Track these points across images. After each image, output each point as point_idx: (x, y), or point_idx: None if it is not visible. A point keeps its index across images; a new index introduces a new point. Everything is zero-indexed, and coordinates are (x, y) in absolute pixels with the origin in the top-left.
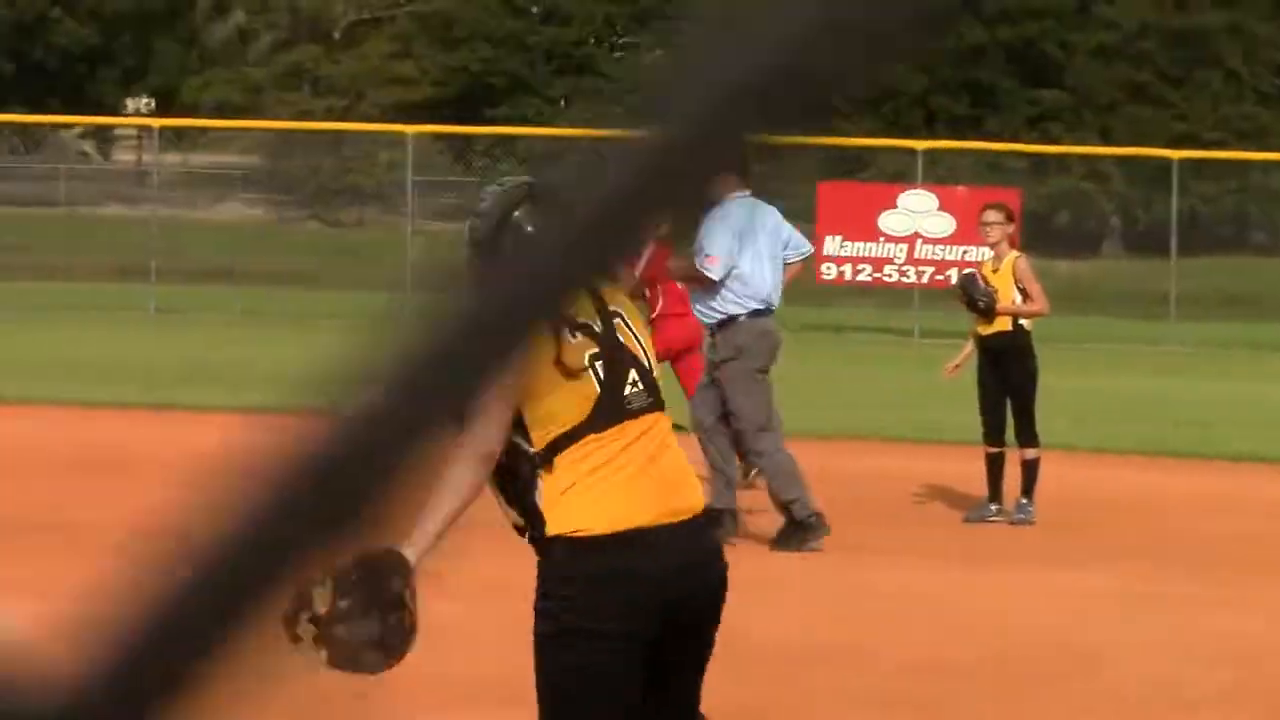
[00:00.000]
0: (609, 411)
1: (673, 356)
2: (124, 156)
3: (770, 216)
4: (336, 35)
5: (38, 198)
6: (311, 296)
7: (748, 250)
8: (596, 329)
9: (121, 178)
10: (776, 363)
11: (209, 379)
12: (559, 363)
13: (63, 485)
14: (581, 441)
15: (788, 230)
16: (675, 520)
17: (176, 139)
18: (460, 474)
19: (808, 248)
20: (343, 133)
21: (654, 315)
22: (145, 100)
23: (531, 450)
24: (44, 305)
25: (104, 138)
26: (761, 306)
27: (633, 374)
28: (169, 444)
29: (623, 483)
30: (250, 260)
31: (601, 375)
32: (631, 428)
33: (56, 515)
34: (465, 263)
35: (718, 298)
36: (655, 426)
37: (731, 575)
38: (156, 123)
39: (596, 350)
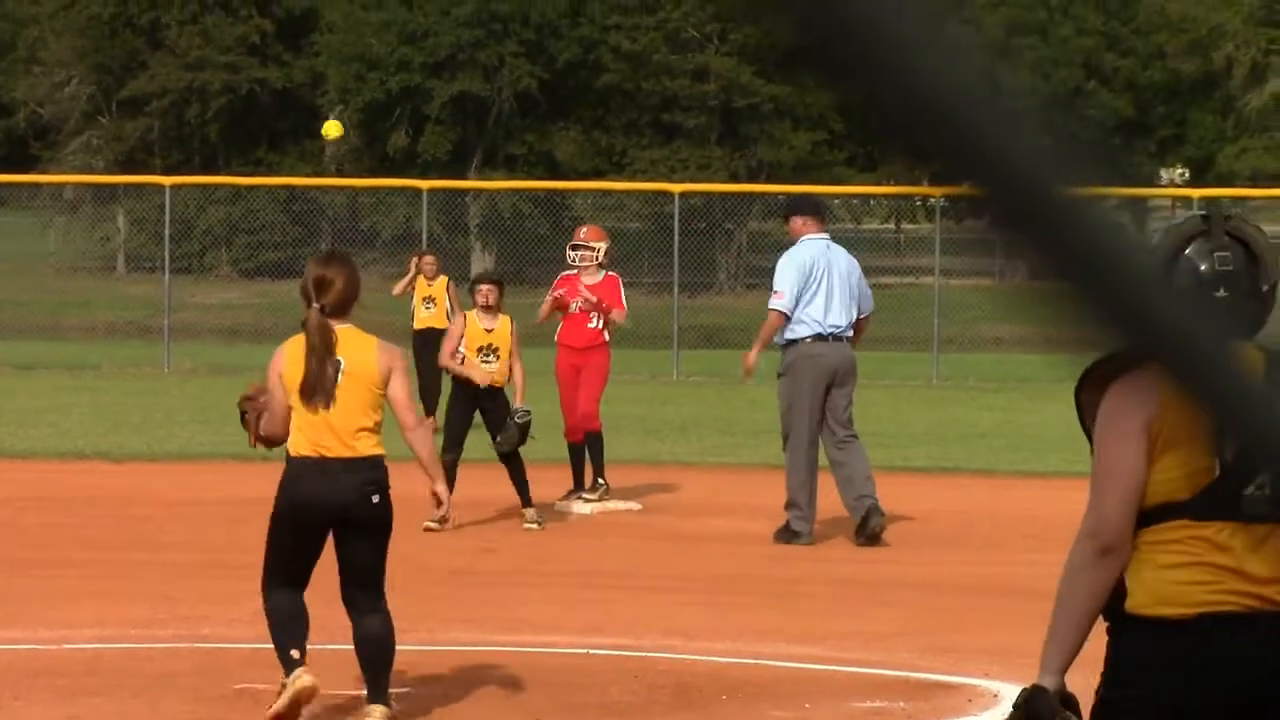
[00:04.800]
0: None
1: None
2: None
3: (844, 261)
4: None
5: None
6: None
7: (818, 286)
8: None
9: None
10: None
11: None
12: None
13: None
14: None
15: (857, 276)
16: None
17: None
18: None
19: (870, 306)
20: None
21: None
22: (1179, 171)
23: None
24: None
25: (1138, 209)
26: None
27: None
28: None
29: None
30: None
31: None
32: None
33: None
34: None
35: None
36: None
37: None
38: (1195, 193)
39: None
